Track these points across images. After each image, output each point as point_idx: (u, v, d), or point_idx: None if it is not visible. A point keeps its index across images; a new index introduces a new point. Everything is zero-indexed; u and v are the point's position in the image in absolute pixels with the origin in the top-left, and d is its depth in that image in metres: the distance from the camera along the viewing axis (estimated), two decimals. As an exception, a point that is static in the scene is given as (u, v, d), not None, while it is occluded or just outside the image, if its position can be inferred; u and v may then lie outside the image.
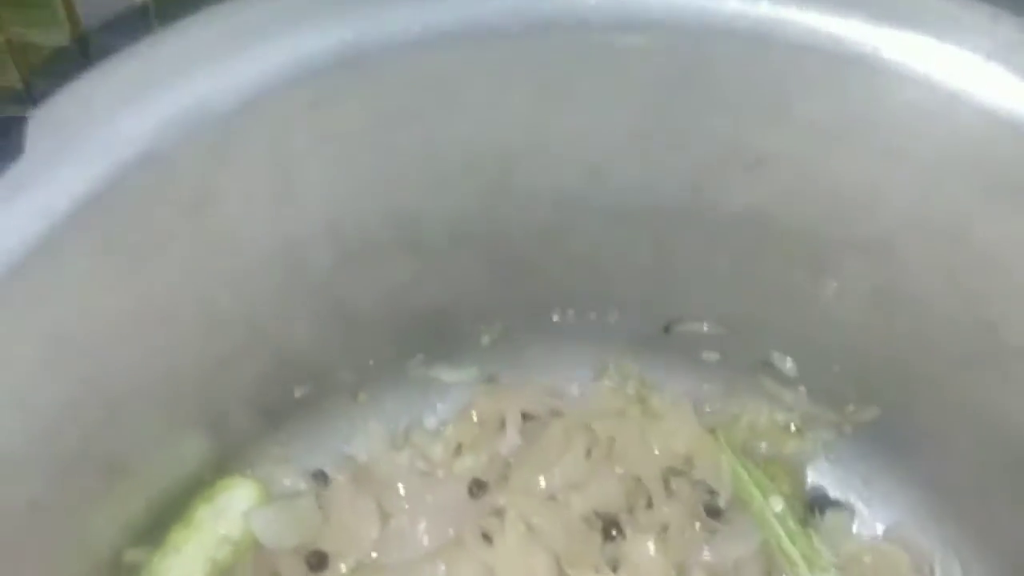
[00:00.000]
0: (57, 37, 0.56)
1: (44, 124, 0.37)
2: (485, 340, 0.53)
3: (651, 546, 0.52)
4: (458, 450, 0.54)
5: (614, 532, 0.52)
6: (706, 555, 0.52)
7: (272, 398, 0.49)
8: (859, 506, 0.56)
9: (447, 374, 0.54)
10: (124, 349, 0.41)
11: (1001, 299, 0.43)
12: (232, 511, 0.50)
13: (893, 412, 0.52)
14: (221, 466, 0.50)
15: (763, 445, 0.56)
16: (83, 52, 0.57)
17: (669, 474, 0.54)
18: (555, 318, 0.52)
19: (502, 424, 0.54)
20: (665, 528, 0.52)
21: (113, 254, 0.39)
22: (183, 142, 0.39)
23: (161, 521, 0.48)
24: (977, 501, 0.50)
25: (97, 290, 0.40)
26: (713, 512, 0.53)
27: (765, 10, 0.40)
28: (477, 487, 0.52)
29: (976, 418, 0.48)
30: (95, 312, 0.40)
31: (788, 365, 0.53)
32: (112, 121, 0.38)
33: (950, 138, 0.40)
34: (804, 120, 0.42)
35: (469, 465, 0.53)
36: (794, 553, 0.52)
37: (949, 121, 0.40)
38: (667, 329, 0.53)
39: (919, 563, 0.53)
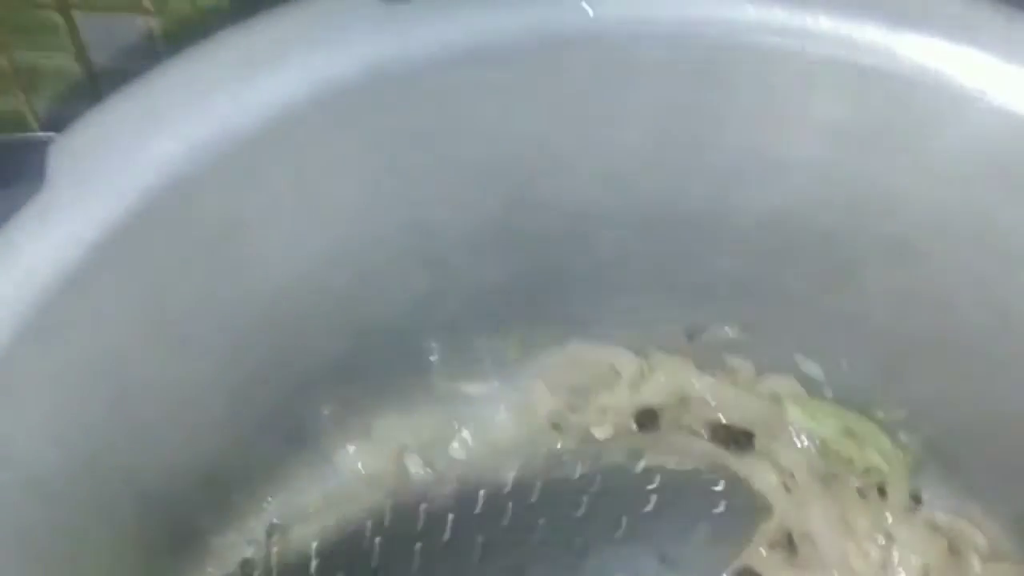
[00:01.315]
0: (61, 61, 0.57)
1: (66, 152, 0.37)
2: (507, 353, 0.53)
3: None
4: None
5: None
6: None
7: (293, 420, 0.49)
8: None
9: (470, 387, 0.54)
10: (151, 376, 0.42)
11: (1025, 299, 0.44)
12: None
13: (919, 414, 0.52)
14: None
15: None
16: (89, 78, 0.57)
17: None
18: (577, 329, 0.53)
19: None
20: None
21: (140, 281, 0.39)
22: (209, 167, 0.39)
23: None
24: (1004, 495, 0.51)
25: (124, 317, 0.40)
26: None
27: (780, 20, 0.40)
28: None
29: (1002, 420, 0.47)
30: (122, 339, 0.40)
31: (814, 369, 0.53)
32: (136, 148, 0.38)
33: (968, 140, 0.40)
34: (822, 126, 0.42)
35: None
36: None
37: (966, 123, 0.40)
38: (691, 337, 0.53)
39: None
